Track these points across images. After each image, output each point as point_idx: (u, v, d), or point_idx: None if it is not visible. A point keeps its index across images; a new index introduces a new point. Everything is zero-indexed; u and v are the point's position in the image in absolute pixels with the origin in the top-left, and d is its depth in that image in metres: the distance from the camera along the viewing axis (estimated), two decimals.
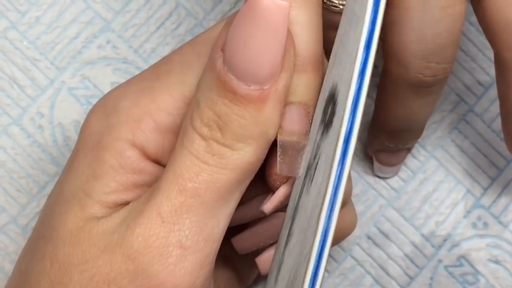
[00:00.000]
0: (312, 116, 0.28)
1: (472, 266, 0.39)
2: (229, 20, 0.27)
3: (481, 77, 0.40)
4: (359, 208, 0.39)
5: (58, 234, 0.29)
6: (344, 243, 0.39)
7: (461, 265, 0.39)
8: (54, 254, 0.28)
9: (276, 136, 0.28)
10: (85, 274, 0.28)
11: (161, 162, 0.30)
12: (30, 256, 0.30)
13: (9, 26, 0.39)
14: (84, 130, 0.30)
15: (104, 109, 0.30)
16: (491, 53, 0.34)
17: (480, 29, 0.33)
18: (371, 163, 0.39)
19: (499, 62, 0.33)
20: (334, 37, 0.31)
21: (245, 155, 0.27)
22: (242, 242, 0.32)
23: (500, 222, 0.39)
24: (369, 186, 0.39)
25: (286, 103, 0.28)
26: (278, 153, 0.28)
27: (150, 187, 0.29)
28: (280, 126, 0.28)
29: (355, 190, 0.39)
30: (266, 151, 0.28)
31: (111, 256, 0.28)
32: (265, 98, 0.27)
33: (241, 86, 0.27)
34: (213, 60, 0.27)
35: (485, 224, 0.39)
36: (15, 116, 0.39)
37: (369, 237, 0.39)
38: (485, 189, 0.39)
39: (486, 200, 0.39)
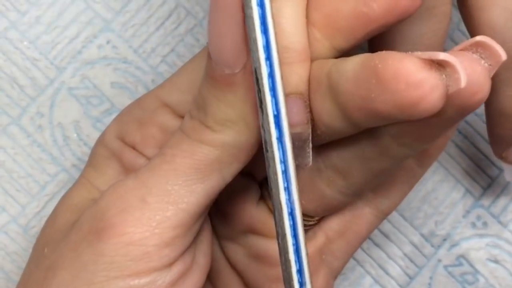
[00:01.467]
0: (309, 105, 0.29)
1: (471, 265, 0.39)
2: None
3: None
4: None
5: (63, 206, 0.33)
6: None
7: (460, 264, 0.39)
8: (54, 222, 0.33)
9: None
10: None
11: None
12: None
13: (9, 26, 0.39)
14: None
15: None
16: None
17: None
18: None
19: None
20: None
21: (225, 138, 0.28)
22: None
23: (499, 222, 0.39)
24: None
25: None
26: None
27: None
28: None
29: None
30: (252, 138, 0.29)
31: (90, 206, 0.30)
32: (236, 82, 0.28)
33: (216, 70, 0.28)
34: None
35: (485, 224, 0.39)
36: (14, 116, 0.39)
37: (369, 237, 0.39)
38: (484, 189, 0.39)
39: (485, 200, 0.39)
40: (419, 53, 0.26)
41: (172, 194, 0.28)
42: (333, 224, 0.33)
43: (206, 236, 0.31)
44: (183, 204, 0.28)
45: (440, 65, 0.25)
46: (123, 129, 0.33)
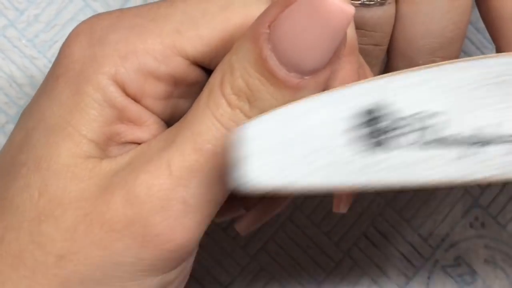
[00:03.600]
0: None
1: (469, 266, 0.39)
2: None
3: None
4: (356, 208, 0.39)
5: (50, 166, 0.28)
6: (342, 243, 0.39)
7: (458, 265, 0.39)
8: (45, 185, 0.28)
9: None
10: (79, 211, 0.27)
11: (140, 103, 0.29)
12: (7, 181, 0.29)
13: (7, 24, 0.39)
14: (66, 55, 0.29)
15: (90, 37, 0.29)
16: (490, 52, 0.34)
17: (478, 27, 0.33)
18: None
19: None
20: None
21: None
22: (246, 225, 0.32)
23: (497, 223, 0.39)
24: None
25: (328, 89, 0.27)
26: None
27: (135, 124, 0.29)
28: None
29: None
30: None
31: (110, 197, 0.27)
32: (303, 87, 0.27)
33: (282, 70, 0.26)
34: (257, 33, 0.26)
35: (483, 224, 0.39)
36: (13, 114, 0.39)
37: (367, 237, 0.39)
38: (483, 189, 0.39)
39: (484, 200, 0.39)
40: None
41: (209, 192, 0.27)
42: None
43: None
44: (217, 199, 0.28)
45: None
46: (123, 76, 0.29)
